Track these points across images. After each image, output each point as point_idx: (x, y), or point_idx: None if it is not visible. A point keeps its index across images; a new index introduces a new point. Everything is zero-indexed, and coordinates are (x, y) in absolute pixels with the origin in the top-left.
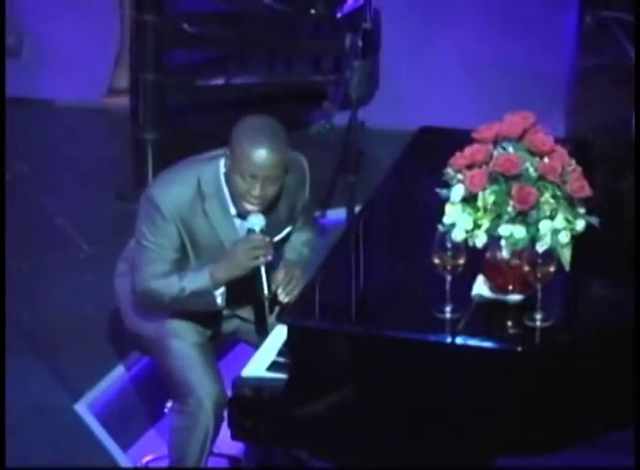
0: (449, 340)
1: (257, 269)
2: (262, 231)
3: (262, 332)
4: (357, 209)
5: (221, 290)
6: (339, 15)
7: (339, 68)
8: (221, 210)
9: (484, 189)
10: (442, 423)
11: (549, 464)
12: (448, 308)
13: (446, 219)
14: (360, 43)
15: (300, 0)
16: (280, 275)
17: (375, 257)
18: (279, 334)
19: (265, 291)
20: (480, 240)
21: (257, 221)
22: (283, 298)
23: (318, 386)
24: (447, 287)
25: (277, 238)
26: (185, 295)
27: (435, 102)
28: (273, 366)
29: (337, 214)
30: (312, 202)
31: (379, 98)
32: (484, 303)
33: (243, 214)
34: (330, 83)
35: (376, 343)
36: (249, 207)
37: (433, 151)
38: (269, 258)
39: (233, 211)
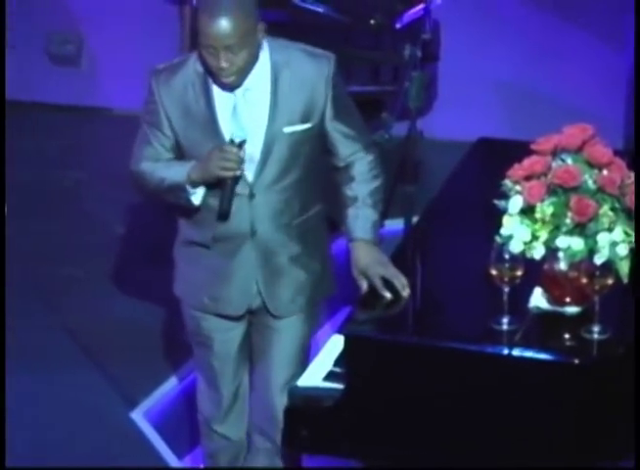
0: (506, 352)
1: (224, 181)
2: (241, 144)
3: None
4: (415, 219)
5: (199, 190)
6: (398, 25)
7: (397, 78)
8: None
9: (543, 201)
10: (497, 434)
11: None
12: (505, 320)
13: (504, 231)
14: (419, 53)
15: (360, 10)
16: (363, 274)
17: (432, 267)
18: (336, 344)
19: (224, 204)
20: (538, 252)
21: (239, 134)
22: (405, 294)
23: (374, 396)
24: (504, 298)
25: (288, 129)
26: (164, 186)
27: (494, 113)
28: (329, 376)
29: (394, 225)
30: (359, 118)
31: (437, 108)
32: (542, 314)
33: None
34: (388, 94)
35: (432, 354)
36: (224, 80)
37: (491, 162)
38: (238, 173)
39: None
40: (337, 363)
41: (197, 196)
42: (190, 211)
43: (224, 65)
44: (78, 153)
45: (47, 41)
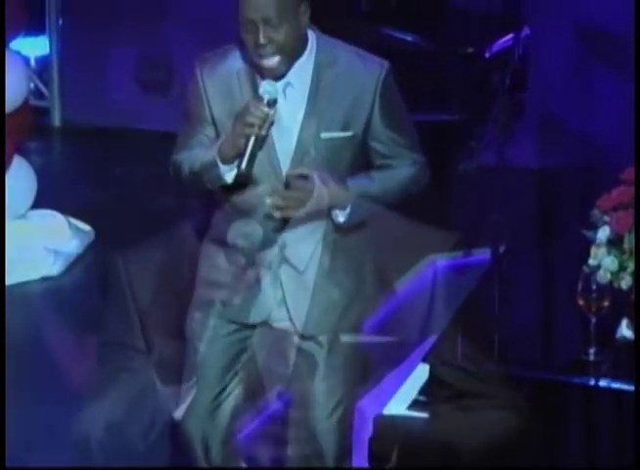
0: (593, 382)
1: (247, 140)
2: (270, 103)
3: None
4: (502, 248)
5: (231, 168)
6: (487, 54)
7: (486, 106)
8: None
9: (631, 231)
10: (583, 464)
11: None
12: (592, 351)
13: (592, 261)
14: (508, 82)
15: (449, 39)
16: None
17: (518, 296)
18: (421, 373)
19: (243, 164)
20: (626, 282)
21: (269, 90)
22: (273, 210)
23: (460, 425)
24: (591, 329)
25: (325, 135)
26: (197, 167)
27: (575, 143)
28: (414, 405)
29: (482, 254)
30: (411, 133)
31: (526, 137)
32: (629, 345)
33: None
34: (476, 122)
35: (518, 383)
36: (265, 62)
37: (577, 191)
38: (263, 132)
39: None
40: (422, 392)
41: (230, 174)
42: (226, 204)
43: (262, 39)
44: (167, 179)
45: (137, 68)
